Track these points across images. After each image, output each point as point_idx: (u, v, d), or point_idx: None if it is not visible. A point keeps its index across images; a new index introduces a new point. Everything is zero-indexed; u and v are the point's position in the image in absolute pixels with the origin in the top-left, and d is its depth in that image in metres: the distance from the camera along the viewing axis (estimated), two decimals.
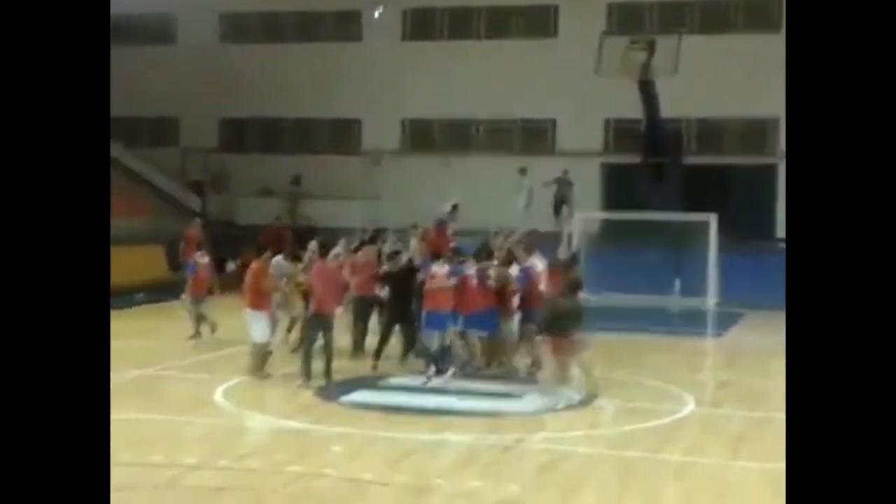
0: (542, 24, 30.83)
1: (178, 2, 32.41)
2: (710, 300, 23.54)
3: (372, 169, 31.37)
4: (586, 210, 26.78)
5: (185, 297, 17.24)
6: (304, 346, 13.79)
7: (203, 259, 17.47)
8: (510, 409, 12.54)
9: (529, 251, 14.76)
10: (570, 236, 24.34)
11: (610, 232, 27.33)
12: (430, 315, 13.94)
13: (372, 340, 15.34)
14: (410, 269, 14.99)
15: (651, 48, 26.29)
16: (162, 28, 33.41)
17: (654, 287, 18.74)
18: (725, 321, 21.73)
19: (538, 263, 14.47)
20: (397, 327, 14.93)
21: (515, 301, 14.23)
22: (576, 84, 28.63)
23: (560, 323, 12.52)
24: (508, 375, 14.07)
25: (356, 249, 16.14)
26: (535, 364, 13.85)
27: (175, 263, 21.67)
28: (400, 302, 14.91)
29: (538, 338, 13.35)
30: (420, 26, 31.95)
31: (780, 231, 27.37)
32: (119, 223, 25.99)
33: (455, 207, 19.49)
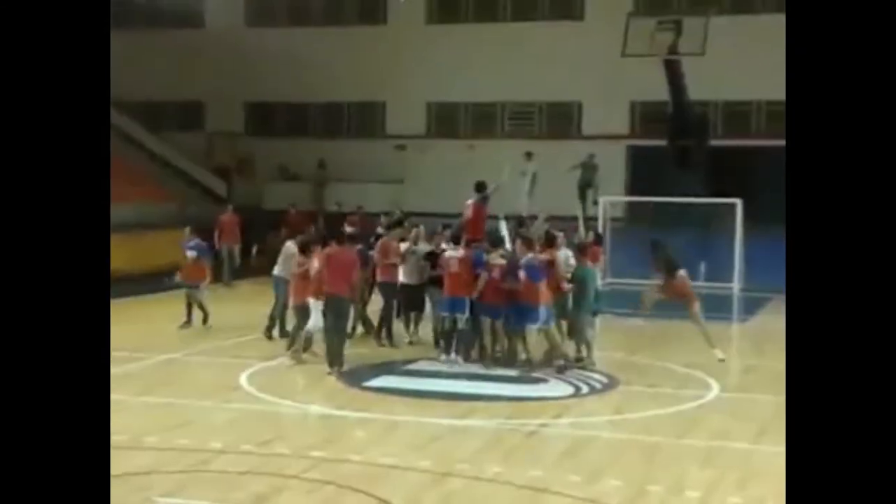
0: (568, 6, 30.67)
1: None
2: (736, 285, 23.41)
3: (396, 152, 31.37)
4: (611, 194, 26.66)
5: (178, 280, 17.15)
6: (325, 333, 13.73)
7: (194, 246, 17.08)
8: (534, 395, 12.53)
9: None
10: (585, 219, 24.26)
11: (635, 216, 27.21)
12: (451, 300, 13.84)
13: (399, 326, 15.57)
14: (430, 254, 15.05)
15: (678, 29, 26.07)
16: (189, 12, 33.49)
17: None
18: (751, 306, 21.61)
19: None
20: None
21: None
22: (601, 66, 28.48)
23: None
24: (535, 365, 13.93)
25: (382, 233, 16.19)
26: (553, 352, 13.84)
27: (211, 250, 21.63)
28: (414, 288, 15.10)
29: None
30: (445, 9, 31.86)
31: None
32: (147, 208, 26.35)
33: (534, 178, 18.78)
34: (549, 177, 26.14)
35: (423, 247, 15.40)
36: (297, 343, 14.05)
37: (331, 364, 13.29)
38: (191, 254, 16.98)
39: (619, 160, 29.46)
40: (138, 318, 17.83)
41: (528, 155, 25.85)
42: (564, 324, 14.13)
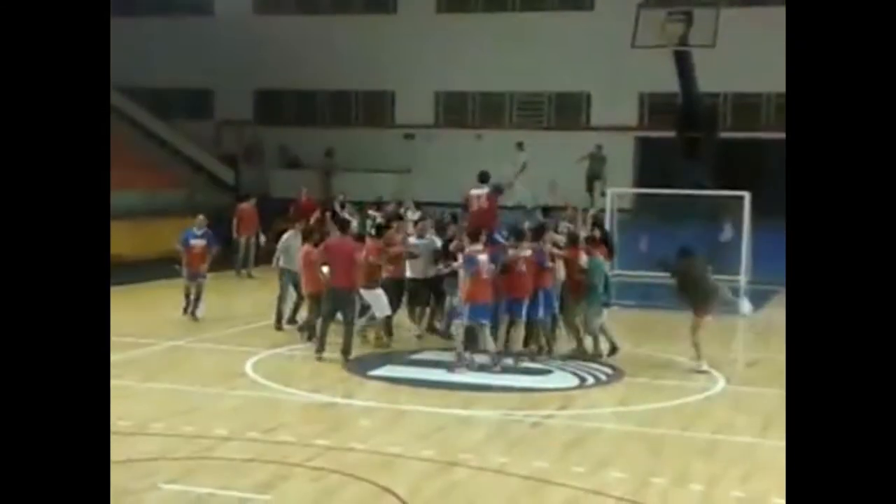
0: None
1: None
2: (743, 277, 23.35)
3: (404, 142, 31.35)
4: (619, 186, 26.61)
5: (181, 270, 16.67)
6: (319, 322, 13.78)
7: (203, 235, 16.86)
8: (539, 386, 12.53)
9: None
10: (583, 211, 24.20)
11: (643, 208, 27.16)
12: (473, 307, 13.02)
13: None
14: (436, 250, 14.88)
15: (689, 20, 25.96)
16: (198, 0, 33.50)
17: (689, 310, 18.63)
18: (758, 299, 21.55)
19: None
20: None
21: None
22: (611, 57, 28.40)
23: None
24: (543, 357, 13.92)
25: (384, 226, 15.65)
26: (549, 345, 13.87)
27: (228, 239, 21.54)
28: (422, 283, 14.94)
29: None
30: None
31: None
32: (154, 195, 26.37)
33: (524, 167, 18.25)
34: (557, 168, 26.14)
35: (435, 240, 15.20)
36: (365, 330, 14.21)
37: (318, 350, 13.40)
38: (201, 242, 16.77)
39: (627, 152, 29.41)
40: (145, 304, 17.87)
41: (520, 145, 25.72)
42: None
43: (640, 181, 28.91)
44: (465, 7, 31.65)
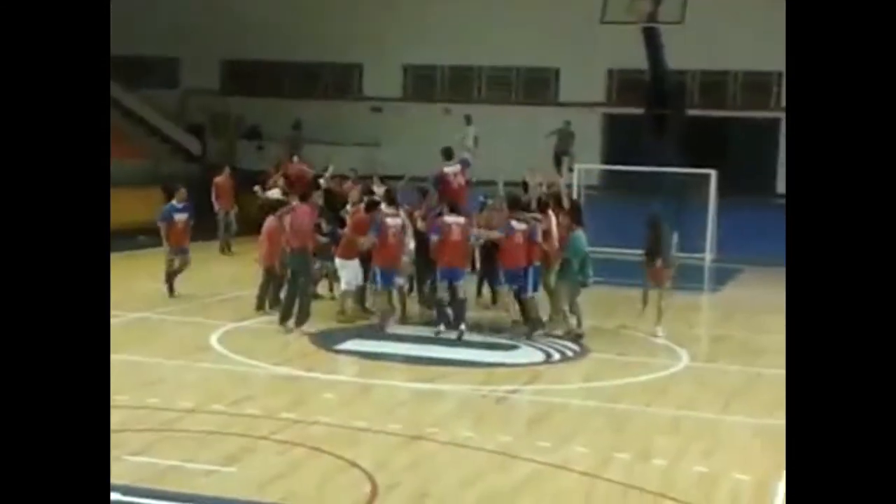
0: None
1: None
2: (708, 255, 23.54)
3: (372, 115, 31.22)
4: (587, 162, 26.69)
5: (171, 246, 16.25)
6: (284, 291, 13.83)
7: (185, 209, 16.51)
8: (505, 361, 12.59)
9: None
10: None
11: (611, 184, 27.27)
12: (444, 270, 13.47)
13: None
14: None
15: None
16: None
17: (646, 272, 18.68)
18: (723, 276, 21.78)
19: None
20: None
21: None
22: (580, 33, 28.40)
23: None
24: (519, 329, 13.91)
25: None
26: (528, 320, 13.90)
27: (205, 211, 21.15)
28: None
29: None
30: None
31: (781, 186, 27.32)
32: (118, 165, 25.97)
33: (476, 140, 17.98)
34: (525, 143, 26.15)
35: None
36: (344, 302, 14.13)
37: (282, 320, 13.40)
38: (184, 216, 16.38)
39: (595, 128, 29.49)
40: (111, 276, 17.70)
41: (468, 119, 25.61)
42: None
43: (607, 157, 29.01)
44: None
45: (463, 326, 13.43)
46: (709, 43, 27.54)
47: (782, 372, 11.27)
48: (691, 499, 7.69)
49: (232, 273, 17.37)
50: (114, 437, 8.54)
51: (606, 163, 28.51)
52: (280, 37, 31.18)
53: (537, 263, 13.70)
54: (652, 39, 26.01)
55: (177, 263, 16.22)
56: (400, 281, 14.31)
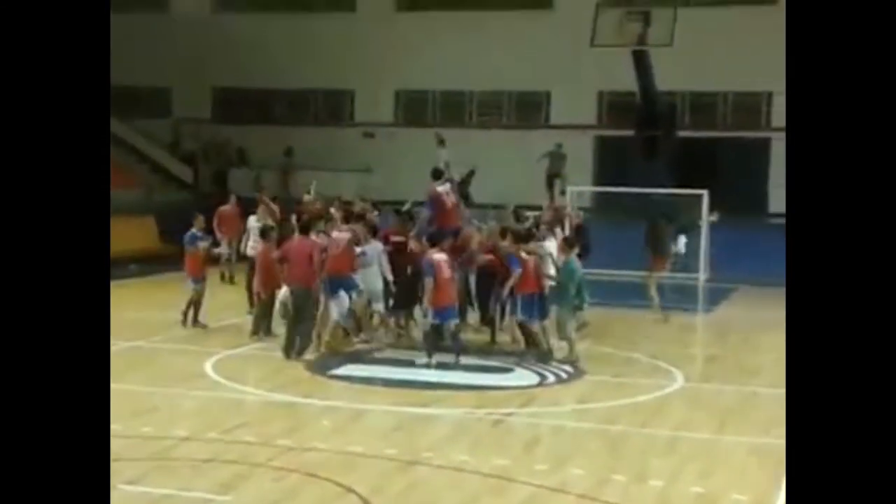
0: None
1: None
2: (702, 275, 23.57)
3: (364, 141, 31.27)
4: (579, 184, 26.75)
5: (193, 277, 15.63)
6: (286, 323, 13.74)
7: (202, 237, 16.00)
8: (500, 384, 12.56)
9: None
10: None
11: (602, 206, 27.33)
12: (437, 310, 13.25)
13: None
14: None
15: (647, 19, 26.18)
16: None
17: (646, 262, 18.76)
18: (716, 296, 21.79)
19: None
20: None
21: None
22: (570, 56, 28.54)
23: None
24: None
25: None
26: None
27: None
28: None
29: None
30: None
31: (773, 206, 27.42)
32: (113, 195, 26.07)
33: (472, 173, 18.21)
34: (517, 166, 26.24)
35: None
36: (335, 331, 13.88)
37: (286, 351, 13.35)
38: (203, 244, 15.91)
39: (586, 150, 29.58)
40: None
41: (441, 142, 25.58)
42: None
43: (599, 179, 29.08)
44: (425, 5, 31.65)
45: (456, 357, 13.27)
46: (698, 64, 27.70)
47: (777, 391, 11.31)
48: None
49: (228, 301, 17.30)
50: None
51: (598, 184, 28.57)
52: (271, 64, 31.26)
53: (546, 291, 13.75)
54: (641, 62, 26.15)
55: (194, 294, 15.62)
56: (380, 306, 14.32)
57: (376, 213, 16.69)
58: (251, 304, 15.50)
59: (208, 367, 12.90)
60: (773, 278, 21.24)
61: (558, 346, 13.81)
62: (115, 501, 7.82)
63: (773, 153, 27.81)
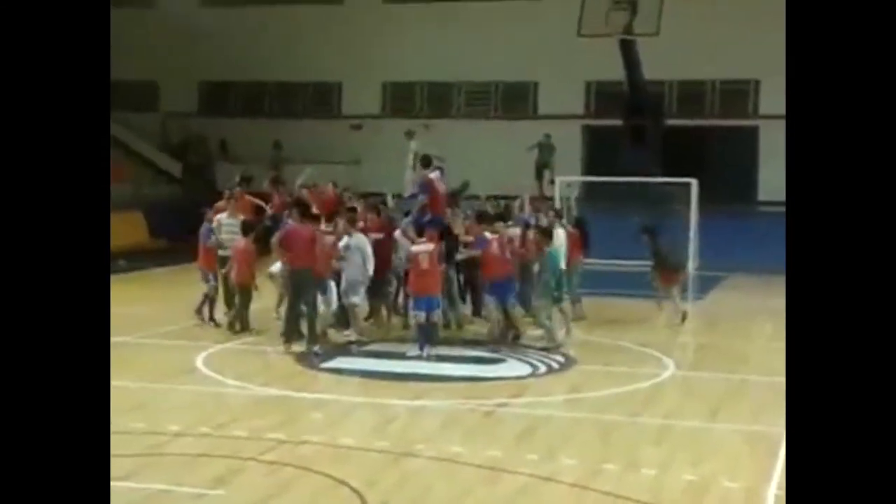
0: None
1: None
2: (691, 264, 23.60)
3: (352, 133, 31.21)
4: (567, 174, 26.76)
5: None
6: (285, 311, 13.75)
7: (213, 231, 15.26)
8: (490, 375, 12.58)
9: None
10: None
11: (591, 196, 27.34)
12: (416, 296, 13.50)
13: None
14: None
15: (633, 9, 26.20)
16: None
17: (635, 251, 18.80)
18: (706, 284, 21.82)
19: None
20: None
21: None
22: (557, 46, 28.54)
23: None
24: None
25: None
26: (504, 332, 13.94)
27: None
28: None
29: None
30: None
31: (761, 194, 27.48)
32: None
33: (465, 186, 18.47)
34: (506, 156, 26.22)
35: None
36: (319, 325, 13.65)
37: (286, 339, 13.28)
38: (215, 238, 15.16)
39: (574, 140, 29.59)
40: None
41: (409, 134, 25.46)
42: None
43: (587, 169, 29.10)
44: None
45: (429, 349, 13.18)
46: (685, 53, 27.73)
47: (768, 378, 11.36)
48: None
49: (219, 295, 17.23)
50: None
51: (586, 174, 28.58)
52: (258, 57, 31.18)
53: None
54: (629, 51, 26.17)
55: (209, 290, 15.23)
56: (357, 299, 14.13)
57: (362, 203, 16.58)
58: (228, 303, 15.20)
59: (199, 361, 12.88)
60: (762, 266, 21.44)
61: (536, 336, 13.91)
62: None
63: (761, 141, 27.89)
